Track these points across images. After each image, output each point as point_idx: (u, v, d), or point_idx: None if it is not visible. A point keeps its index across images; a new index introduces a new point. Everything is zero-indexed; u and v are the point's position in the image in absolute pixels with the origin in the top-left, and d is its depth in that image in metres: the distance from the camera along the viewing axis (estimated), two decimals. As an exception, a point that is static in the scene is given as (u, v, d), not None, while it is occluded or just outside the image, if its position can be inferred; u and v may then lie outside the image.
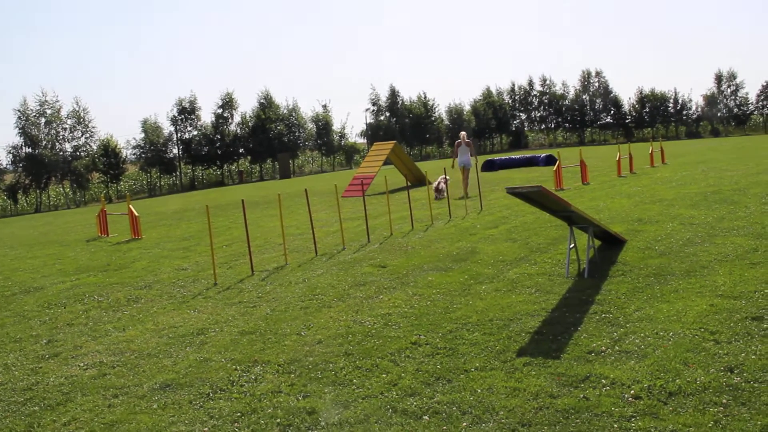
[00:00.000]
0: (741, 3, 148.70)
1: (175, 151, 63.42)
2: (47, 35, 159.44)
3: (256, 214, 19.86)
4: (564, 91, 79.94)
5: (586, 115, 78.36)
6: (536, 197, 8.06)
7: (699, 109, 75.22)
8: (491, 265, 9.29)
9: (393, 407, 4.93)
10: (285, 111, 68.32)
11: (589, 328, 6.21)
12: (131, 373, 6.23)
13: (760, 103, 72.94)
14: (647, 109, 75.71)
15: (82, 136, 55.68)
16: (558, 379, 5.13)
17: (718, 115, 73.86)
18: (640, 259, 8.70)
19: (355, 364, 5.91)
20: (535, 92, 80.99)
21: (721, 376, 4.88)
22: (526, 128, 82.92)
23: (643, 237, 10.03)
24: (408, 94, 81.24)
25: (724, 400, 4.52)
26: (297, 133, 68.79)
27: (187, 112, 63.18)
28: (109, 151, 57.08)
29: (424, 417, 4.76)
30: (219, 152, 64.27)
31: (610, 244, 9.74)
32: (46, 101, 53.57)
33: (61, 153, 54.16)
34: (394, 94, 75.93)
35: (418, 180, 26.35)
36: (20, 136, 52.43)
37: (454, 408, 4.83)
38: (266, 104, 66.95)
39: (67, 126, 54.96)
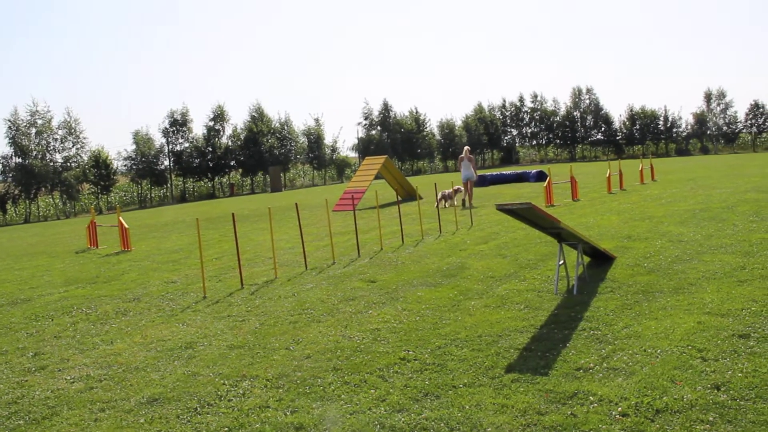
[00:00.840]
0: (730, 22, 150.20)
1: (167, 163, 63.30)
2: (39, 45, 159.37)
3: (246, 228, 19.83)
4: (555, 107, 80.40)
5: (577, 132, 78.76)
6: (526, 214, 8.09)
7: (689, 127, 75.79)
8: (481, 280, 9.31)
9: (381, 423, 4.93)
10: (277, 124, 68.41)
11: (578, 345, 6.23)
12: (118, 386, 6.20)
13: (749, 121, 73.59)
14: (638, 127, 76.19)
15: (73, 146, 55.52)
16: (546, 395, 5.14)
17: (708, 133, 74.40)
18: (628, 276, 8.74)
19: (343, 379, 5.90)
20: (526, 108, 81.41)
21: (707, 394, 4.90)
22: (517, 144, 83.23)
23: (632, 254, 10.08)
24: (400, 109, 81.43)
25: (711, 418, 4.54)
26: (288, 147, 68.83)
27: (178, 124, 63.12)
28: (99, 162, 56.91)
29: (412, 433, 4.75)
30: (210, 165, 64.21)
31: (599, 260, 9.78)
32: (37, 111, 53.45)
33: (52, 163, 53.95)
34: (386, 109, 76.15)
35: (409, 195, 26.40)
36: (10, 146, 52.25)
37: (443, 424, 4.82)
38: (257, 117, 67.01)
39: (57, 136, 54.79)
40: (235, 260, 11.96)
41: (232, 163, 66.40)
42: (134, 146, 60.86)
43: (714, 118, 74.09)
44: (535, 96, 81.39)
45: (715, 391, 4.94)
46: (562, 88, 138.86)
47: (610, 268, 9.31)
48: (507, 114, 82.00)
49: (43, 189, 54.12)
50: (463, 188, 20.44)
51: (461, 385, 5.50)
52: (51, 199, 55.97)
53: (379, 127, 75.62)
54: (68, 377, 6.60)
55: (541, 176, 30.34)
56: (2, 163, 52.55)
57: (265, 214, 24.43)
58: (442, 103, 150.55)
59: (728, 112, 73.86)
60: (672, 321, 6.67)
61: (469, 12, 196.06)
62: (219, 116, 65.12)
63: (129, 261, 14.56)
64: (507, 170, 40.96)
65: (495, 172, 38.47)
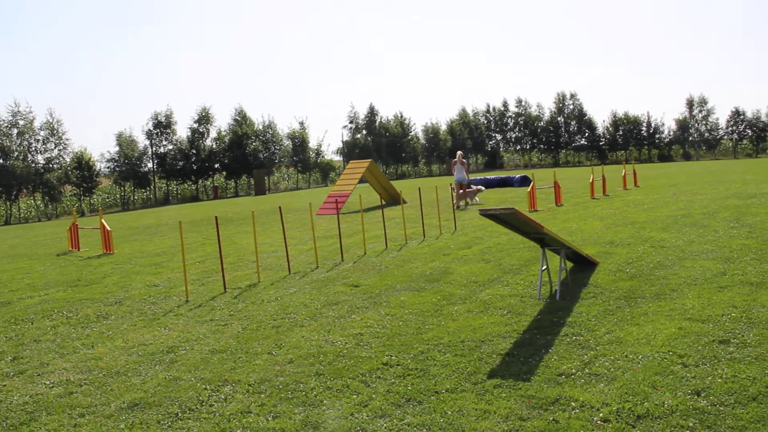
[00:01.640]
0: (712, 30, 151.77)
1: (150, 165, 62.92)
2: (22, 45, 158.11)
3: (229, 231, 19.76)
4: (539, 112, 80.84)
5: (561, 137, 79.25)
6: (509, 219, 8.12)
7: (671, 133, 76.46)
8: (464, 285, 9.33)
9: (363, 429, 4.91)
10: (260, 127, 68.23)
11: (560, 351, 6.25)
12: (99, 391, 6.14)
13: (730, 128, 74.39)
14: (621, 132, 76.78)
15: (55, 148, 54.99)
16: (528, 401, 5.15)
17: (690, 139, 75.10)
18: (611, 281, 8.79)
19: (325, 384, 5.88)
20: (510, 113, 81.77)
21: (688, 400, 4.93)
22: (501, 149, 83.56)
23: (615, 259, 10.14)
24: (385, 113, 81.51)
25: (691, 424, 4.57)
26: (273, 150, 68.66)
27: (162, 126, 62.74)
28: (82, 163, 56.45)
29: (394, 439, 4.74)
30: (194, 167, 63.90)
31: (582, 266, 9.83)
32: (18, 112, 52.93)
33: (33, 165, 53.45)
34: (372, 113, 76.19)
35: (393, 199, 26.41)
36: (-9, 146, 51.72)
37: (425, 430, 4.82)
38: (241, 120, 66.79)
39: (40, 137, 54.28)
40: (218, 264, 11.91)
41: (216, 165, 66.13)
42: (117, 148, 60.45)
43: (696, 125, 74.81)
44: (520, 101, 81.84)
45: (696, 396, 4.98)
46: (546, 94, 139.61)
47: (592, 273, 9.36)
48: (491, 119, 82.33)
49: (25, 190, 53.58)
50: (482, 188, 23.31)
51: (444, 391, 5.50)
52: (32, 201, 55.46)
53: (364, 131, 75.66)
54: (48, 382, 6.53)
55: (524, 181, 30.46)
56: (-18, 164, 52.03)
57: (248, 217, 24.35)
58: (427, 108, 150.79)
59: (710, 119, 74.66)
60: (653, 327, 6.72)
61: (454, 16, 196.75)
62: (204, 118, 64.85)
63: (111, 264, 14.45)
64: (491, 175, 41.09)
65: (479, 176, 38.57)
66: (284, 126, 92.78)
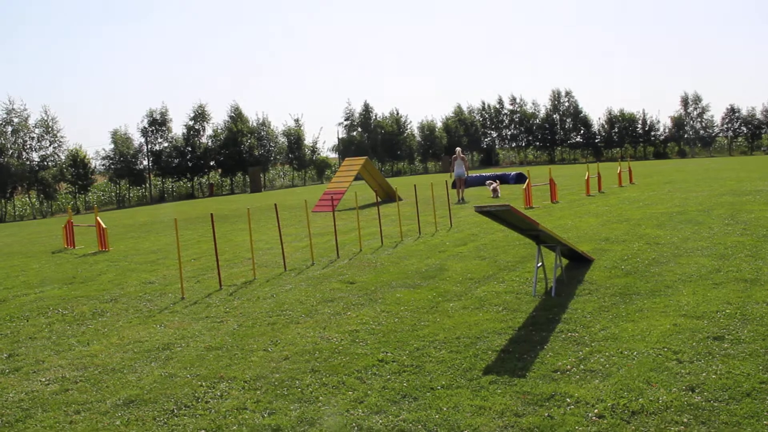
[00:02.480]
0: (708, 28, 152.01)
1: (145, 162, 62.82)
2: (16, 42, 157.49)
3: (225, 228, 19.75)
4: (535, 110, 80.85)
5: (557, 134, 79.29)
6: (505, 216, 8.13)
7: (666, 131, 76.59)
8: (459, 282, 9.34)
9: (359, 425, 4.92)
10: (255, 124, 68.13)
11: (555, 347, 6.27)
12: (94, 388, 6.14)
13: (725, 125, 74.55)
14: (616, 130, 76.84)
15: (50, 145, 54.87)
16: (523, 397, 5.17)
17: (685, 136, 75.25)
18: (606, 278, 8.81)
19: (321, 381, 5.89)
20: (505, 111, 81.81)
21: (682, 396, 4.95)
22: (497, 146, 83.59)
23: (610, 256, 10.17)
24: (381, 111, 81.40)
25: (685, 419, 4.59)
26: (268, 147, 68.59)
27: (158, 123, 62.63)
28: (77, 161, 56.32)
29: (390, 435, 4.76)
30: (189, 164, 63.79)
31: (577, 262, 9.85)
32: (13, 109, 52.79)
33: (28, 162, 53.33)
34: (367, 110, 76.16)
35: (389, 196, 26.41)
36: (-14, 144, 51.60)
37: (420, 426, 4.83)
38: (236, 117, 66.69)
39: (34, 135, 54.16)
40: (213, 261, 11.90)
41: (212, 163, 66.04)
42: (113, 145, 60.33)
43: (691, 122, 74.97)
44: (514, 98, 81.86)
45: (690, 392, 5.00)
46: (542, 91, 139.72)
47: (588, 270, 9.38)
48: (486, 116, 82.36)
49: (20, 188, 53.48)
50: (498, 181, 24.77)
51: (439, 387, 5.51)
52: (27, 199, 55.34)
53: (359, 128, 75.61)
54: (43, 379, 6.53)
55: (520, 178, 30.49)
56: (-23, 162, 51.88)
57: (244, 214, 24.33)
58: (423, 105, 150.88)
59: (705, 117, 74.80)
60: (648, 323, 6.74)
61: (449, 13, 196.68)
62: (200, 116, 64.74)
63: (106, 261, 14.43)
64: (487, 172, 41.12)
65: (475, 173, 38.59)
66: (279, 123, 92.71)
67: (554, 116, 79.48)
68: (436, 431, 4.75)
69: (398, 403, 5.26)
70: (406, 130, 77.72)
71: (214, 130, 65.79)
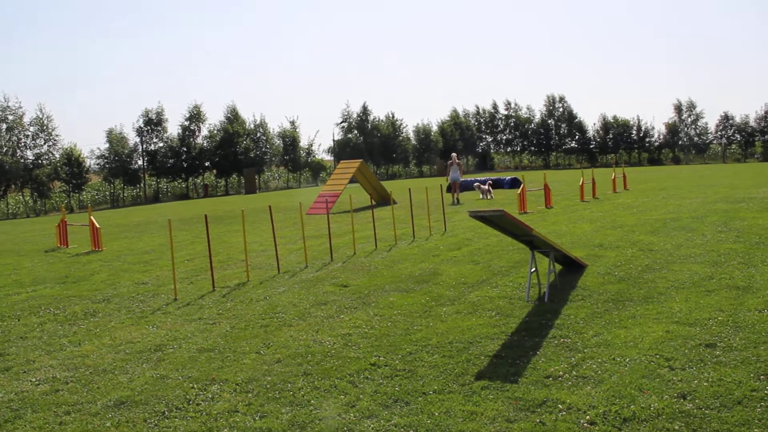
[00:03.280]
0: (703, 35, 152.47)
1: (140, 162, 62.70)
2: (12, 41, 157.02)
3: (219, 229, 19.71)
4: (530, 115, 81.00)
5: (552, 140, 79.44)
6: (499, 221, 8.14)
7: (661, 137, 76.80)
8: (453, 287, 9.34)
9: (350, 429, 4.91)
10: (252, 126, 68.08)
11: (548, 353, 6.27)
12: (85, 389, 6.12)
13: (719, 133, 74.82)
14: (611, 135, 77.03)
15: (44, 144, 54.82)
16: (515, 403, 5.16)
17: (679, 143, 75.47)
18: (599, 284, 8.83)
19: (313, 384, 5.88)
20: (500, 115, 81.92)
21: (674, 403, 4.95)
22: (492, 150, 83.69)
23: (603, 262, 10.18)
24: (377, 114, 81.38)
25: (677, 427, 4.59)
26: (264, 149, 68.52)
27: (153, 123, 62.54)
28: (72, 160, 56.23)
29: (381, 439, 4.74)
30: (185, 165, 63.70)
31: (570, 268, 9.86)
32: (8, 107, 52.73)
33: (23, 160, 53.19)
34: (365, 112, 76.17)
35: (383, 199, 26.39)
36: (-21, 141, 51.46)
37: (412, 431, 4.82)
38: (232, 118, 66.62)
39: (29, 133, 54.09)
40: (207, 262, 11.88)
41: (207, 163, 65.95)
42: (108, 145, 60.22)
43: (685, 129, 75.21)
44: (509, 103, 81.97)
45: (682, 399, 5.00)
46: (537, 96, 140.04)
47: (581, 276, 9.39)
48: (482, 120, 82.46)
49: (13, 186, 53.33)
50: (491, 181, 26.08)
51: (431, 392, 5.51)
52: (21, 197, 55.17)
53: (356, 131, 75.59)
54: (33, 379, 6.50)
55: (515, 183, 30.52)
56: (-29, 159, 51.74)
57: (238, 216, 24.29)
58: (419, 109, 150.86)
59: (699, 124, 75.06)
60: (641, 330, 6.75)
61: (446, 17, 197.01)
62: (195, 116, 64.66)
63: (99, 261, 14.39)
64: (482, 176, 41.15)
65: (470, 177, 38.59)
66: (275, 125, 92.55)
67: (549, 121, 79.65)
68: (428, 436, 4.74)
69: (390, 408, 5.25)
70: (402, 133, 77.78)
71: (209, 131, 65.73)
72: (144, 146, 62.61)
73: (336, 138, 75.98)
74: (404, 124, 78.54)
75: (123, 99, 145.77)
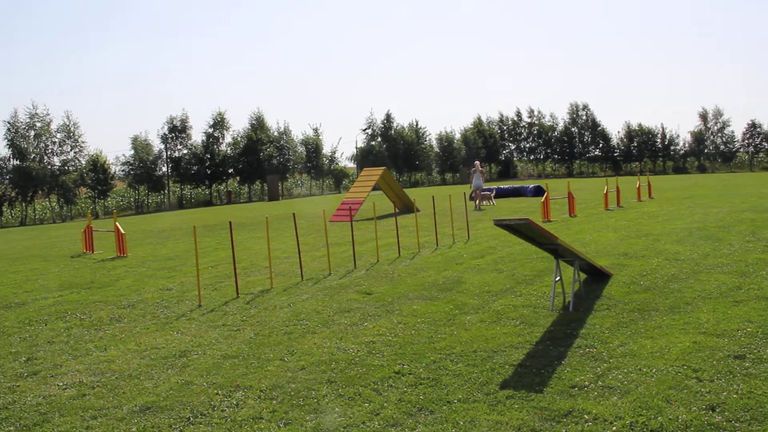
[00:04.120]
0: (729, 42, 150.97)
1: (164, 169, 63.26)
2: (41, 48, 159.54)
3: (243, 236, 19.82)
4: (553, 122, 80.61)
5: (575, 147, 78.99)
6: (523, 229, 8.09)
7: (686, 145, 76.07)
8: (477, 295, 9.30)
9: (374, 437, 4.90)
10: (276, 133, 68.44)
11: (573, 362, 6.22)
12: (111, 394, 6.17)
13: (746, 141, 73.93)
14: (635, 144, 76.45)
15: (71, 150, 55.44)
16: (540, 413, 5.12)
17: (705, 151, 74.69)
18: (624, 293, 8.74)
19: (337, 392, 5.88)
20: (523, 123, 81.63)
21: (702, 415, 4.88)
22: (515, 158, 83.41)
23: (629, 272, 10.09)
24: (400, 121, 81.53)
25: (706, 440, 4.52)
26: (287, 156, 68.82)
27: (177, 130, 63.08)
28: (97, 166, 56.87)
29: (406, 448, 4.73)
30: (208, 172, 64.15)
31: (595, 277, 9.78)
32: (36, 114, 53.42)
33: (50, 166, 53.86)
34: (389, 120, 76.33)
35: (407, 207, 26.39)
36: (8, 147, 52.18)
37: (436, 440, 4.80)
38: (257, 125, 67.03)
39: (56, 140, 54.74)
40: (231, 269, 11.94)
41: (230, 170, 66.36)
42: (132, 151, 60.83)
43: (711, 137, 74.43)
44: (532, 111, 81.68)
45: (710, 412, 4.93)
46: (560, 104, 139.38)
47: (606, 285, 9.31)
48: (505, 128, 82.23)
49: (40, 192, 54.03)
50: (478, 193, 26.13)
51: (456, 401, 5.48)
52: (48, 203, 55.87)
53: (379, 138, 75.71)
54: (60, 383, 6.56)
55: (538, 191, 30.38)
56: (0, 165, 52.48)
57: (262, 222, 24.41)
58: (442, 116, 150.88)
59: (725, 132, 74.25)
60: (667, 340, 6.67)
61: (469, 24, 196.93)
62: (219, 123, 65.10)
63: (124, 267, 14.53)
64: (505, 184, 41.02)
65: (494, 185, 38.49)
66: (298, 132, 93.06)
67: (572, 129, 79.22)
68: (452, 445, 4.72)
69: (414, 416, 5.24)
70: (425, 140, 77.78)
71: (233, 138, 66.15)
72: (168, 153, 63.16)
73: (359, 145, 76.23)
74: (427, 132, 78.62)
75: (149, 106, 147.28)
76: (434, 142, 78.74)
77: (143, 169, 60.31)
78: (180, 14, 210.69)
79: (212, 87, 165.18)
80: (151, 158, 61.33)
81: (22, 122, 52.78)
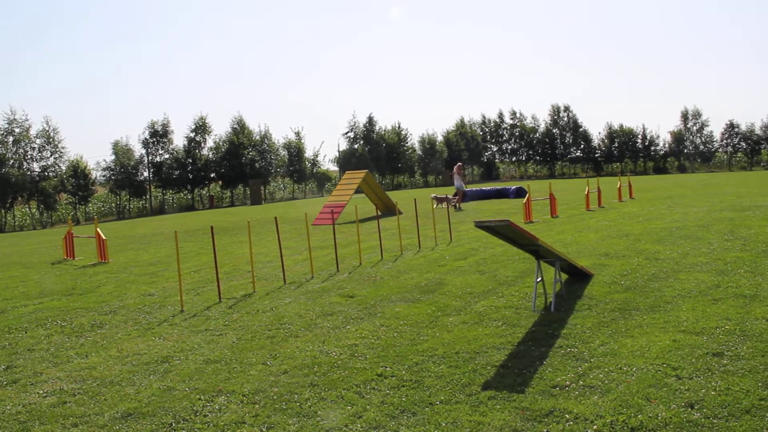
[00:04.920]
0: (706, 43, 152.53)
1: (146, 174, 62.92)
2: (18, 53, 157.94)
3: (225, 241, 19.75)
4: (535, 124, 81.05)
5: (557, 149, 79.47)
6: (504, 231, 8.14)
7: (666, 146, 76.76)
8: (459, 297, 9.33)
9: (357, 440, 4.91)
10: (257, 137, 68.29)
11: (554, 362, 6.26)
12: (92, 401, 6.13)
13: (725, 141, 74.74)
14: (616, 144, 77.04)
15: (51, 156, 55.06)
16: (522, 413, 5.15)
17: (685, 151, 75.39)
18: (605, 293, 8.81)
19: (320, 395, 5.88)
20: (506, 125, 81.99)
21: (681, 412, 4.94)
22: (497, 160, 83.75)
23: (609, 271, 10.16)
24: (382, 124, 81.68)
25: (685, 437, 4.57)
26: (269, 160, 68.68)
27: (159, 135, 62.81)
28: (78, 172, 56.49)
29: (388, 450, 4.74)
30: (190, 176, 63.90)
31: (576, 278, 9.85)
32: (15, 120, 53.00)
33: (29, 172, 53.41)
34: (371, 122, 76.39)
35: (389, 209, 26.42)
36: (-13, 154, 51.70)
37: (419, 441, 4.82)
38: (239, 129, 66.86)
39: (35, 145, 54.33)
40: (213, 273, 11.90)
41: (212, 175, 66.14)
42: (113, 157, 60.48)
43: (691, 137, 75.15)
44: (514, 112, 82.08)
45: (689, 409, 4.99)
46: (541, 106, 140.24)
47: (587, 285, 9.37)
48: (487, 130, 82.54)
49: (20, 198, 53.54)
50: (451, 196, 26.54)
51: (438, 402, 5.50)
52: (27, 209, 55.37)
53: (362, 141, 75.74)
54: (41, 391, 6.52)
55: (520, 192, 30.52)
56: (-22, 171, 51.97)
57: (244, 227, 24.34)
58: (424, 118, 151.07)
59: (704, 132, 75.03)
60: (648, 339, 6.73)
61: (452, 27, 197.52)
62: (200, 127, 64.88)
63: (106, 273, 14.43)
64: (487, 186, 41.16)
65: (475, 187, 38.61)
66: (280, 136, 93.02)
67: (554, 131, 79.75)
68: (435, 447, 4.73)
69: (397, 418, 5.25)
70: (407, 143, 77.93)
71: (215, 142, 65.98)
72: (150, 158, 62.85)
73: (341, 148, 76.20)
74: (410, 134, 78.81)
75: (129, 111, 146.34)
76: (416, 145, 78.94)
77: (124, 174, 59.99)
78: (161, 17, 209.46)
79: (194, 91, 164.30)
80: (132, 163, 61.03)
81: (0, 128, 52.30)
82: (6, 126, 52.62)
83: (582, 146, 79.24)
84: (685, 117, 75.49)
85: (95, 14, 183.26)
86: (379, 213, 19.55)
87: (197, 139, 64.87)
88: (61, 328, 9.20)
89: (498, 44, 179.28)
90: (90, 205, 59.13)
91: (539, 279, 8.53)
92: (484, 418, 5.12)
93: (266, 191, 68.32)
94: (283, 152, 70.40)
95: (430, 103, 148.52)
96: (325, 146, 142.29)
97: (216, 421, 5.44)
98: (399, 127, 78.20)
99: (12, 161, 52.63)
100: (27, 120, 54.12)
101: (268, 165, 68.57)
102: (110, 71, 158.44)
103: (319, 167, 73.98)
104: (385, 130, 76.95)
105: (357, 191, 26.54)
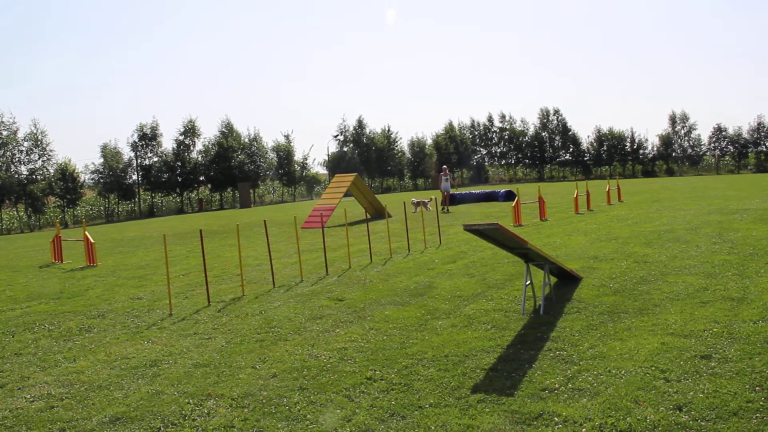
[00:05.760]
0: (695, 47, 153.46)
1: (135, 177, 62.64)
2: (6, 55, 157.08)
3: (214, 244, 19.69)
4: (524, 127, 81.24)
5: (546, 152, 79.65)
6: (493, 234, 8.16)
7: (655, 149, 77.10)
8: (448, 300, 9.34)
9: (346, 443, 4.90)
10: (246, 140, 68.15)
11: (543, 365, 6.27)
12: (80, 405, 6.09)
13: (712, 144, 75.15)
14: (605, 148, 77.28)
15: (39, 159, 54.69)
16: (511, 416, 5.16)
17: (673, 155, 75.74)
18: (594, 296, 8.84)
19: (309, 399, 5.87)
20: (495, 128, 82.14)
21: (670, 415, 4.96)
22: (486, 163, 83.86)
23: (598, 274, 10.20)
24: (372, 127, 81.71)
25: (673, 439, 4.59)
26: (258, 163, 68.54)
27: (148, 138, 62.53)
28: (66, 175, 56.16)
29: (378, 454, 4.73)
30: (179, 179, 63.67)
31: (566, 281, 9.88)
32: (2, 122, 52.61)
33: (17, 175, 53.07)
34: (361, 125, 76.36)
35: (378, 213, 26.42)
36: (-27, 157, 51.35)
37: (408, 445, 4.81)
38: (227, 132, 66.71)
39: (23, 148, 53.97)
40: (202, 277, 11.86)
41: (202, 178, 65.93)
42: (102, 159, 60.17)
43: (679, 141, 75.53)
44: (503, 116, 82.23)
45: (678, 411, 5.01)
46: (531, 109, 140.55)
47: (576, 288, 9.40)
48: (476, 133, 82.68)
49: (7, 201, 53.19)
50: (431, 199, 27.03)
51: (427, 406, 5.50)
52: (15, 212, 55.02)
53: (351, 144, 75.70)
54: (28, 396, 6.47)
55: (509, 196, 30.60)
56: (-36, 175, 51.61)
57: (233, 230, 24.27)
58: (414, 122, 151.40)
59: (692, 135, 75.39)
60: (636, 342, 6.76)
61: (441, 31, 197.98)
62: (189, 130, 64.65)
63: (94, 276, 14.36)
64: (476, 189, 41.25)
65: (464, 191, 38.66)
66: (270, 139, 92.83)
67: (543, 134, 79.87)
68: (424, 450, 4.73)
69: (386, 422, 5.25)
70: (396, 146, 77.96)
71: (204, 145, 65.77)
72: (138, 161, 62.58)
73: (331, 152, 76.14)
74: (399, 138, 78.84)
75: (118, 114, 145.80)
76: (406, 148, 79.00)
77: (113, 177, 59.67)
78: (150, 20, 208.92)
79: (183, 94, 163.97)
80: (121, 166, 60.72)
81: (-13, 131, 51.96)
82: (-7, 129, 52.25)
83: (571, 150, 79.41)
84: (673, 120, 75.82)
85: (84, 17, 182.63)
86: (369, 216, 19.53)
87: (186, 142, 64.62)
88: (48, 332, 9.14)
89: (487, 48, 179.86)
90: (78, 208, 58.80)
91: (528, 282, 8.54)
92: (474, 421, 5.12)
93: (255, 194, 68.16)
94: (273, 155, 70.26)
95: (419, 106, 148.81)
96: (315, 149, 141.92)
97: (205, 426, 5.42)
98: (389, 130, 78.25)
99: (-1, 164, 52.30)
100: (15, 123, 53.86)
101: (258, 168, 68.42)
102: (99, 74, 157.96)
103: (308, 170, 73.86)
104: (374, 134, 76.97)
105: (346, 194, 26.54)
